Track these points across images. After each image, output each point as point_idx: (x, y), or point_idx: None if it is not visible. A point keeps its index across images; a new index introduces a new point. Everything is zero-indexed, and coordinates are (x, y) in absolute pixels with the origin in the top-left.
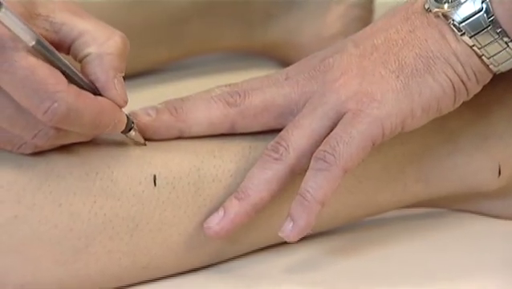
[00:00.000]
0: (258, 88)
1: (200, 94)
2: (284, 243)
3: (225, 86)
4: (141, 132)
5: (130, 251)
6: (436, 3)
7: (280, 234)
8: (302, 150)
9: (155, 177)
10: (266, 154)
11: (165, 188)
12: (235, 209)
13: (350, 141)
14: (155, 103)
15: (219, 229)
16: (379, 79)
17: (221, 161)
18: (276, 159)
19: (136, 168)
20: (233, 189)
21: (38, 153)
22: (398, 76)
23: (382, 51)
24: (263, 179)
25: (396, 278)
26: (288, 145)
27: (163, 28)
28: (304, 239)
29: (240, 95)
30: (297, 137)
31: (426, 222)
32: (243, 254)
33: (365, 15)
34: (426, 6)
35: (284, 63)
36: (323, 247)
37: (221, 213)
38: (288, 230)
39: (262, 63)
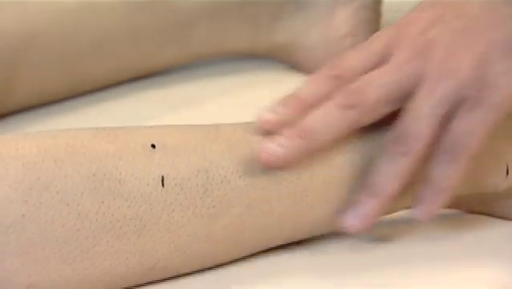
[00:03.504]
0: (367, 80)
1: (321, 106)
2: (289, 245)
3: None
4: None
5: (137, 251)
6: None
7: (412, 215)
8: (425, 140)
9: (163, 178)
10: (392, 148)
11: (173, 189)
12: (372, 204)
13: (474, 130)
14: (162, 105)
15: (359, 224)
16: (490, 61)
17: (229, 162)
18: (403, 153)
19: (143, 169)
20: (242, 190)
21: (46, 152)
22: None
23: (484, 25)
24: (392, 173)
25: (404, 280)
26: (413, 138)
27: (170, 31)
28: (309, 241)
29: (355, 95)
30: (418, 128)
31: (433, 224)
32: (249, 255)
33: (373, 17)
34: None
35: (291, 64)
36: (328, 248)
37: (359, 208)
38: (419, 213)
39: (268, 65)
